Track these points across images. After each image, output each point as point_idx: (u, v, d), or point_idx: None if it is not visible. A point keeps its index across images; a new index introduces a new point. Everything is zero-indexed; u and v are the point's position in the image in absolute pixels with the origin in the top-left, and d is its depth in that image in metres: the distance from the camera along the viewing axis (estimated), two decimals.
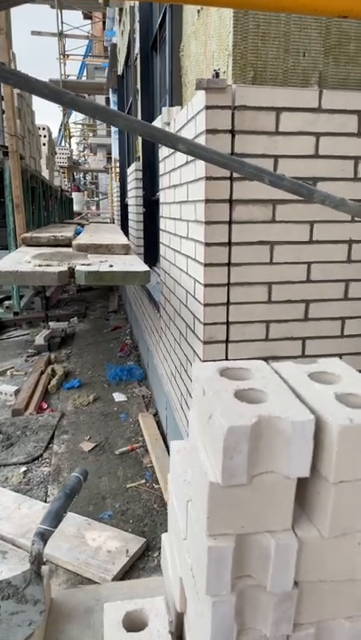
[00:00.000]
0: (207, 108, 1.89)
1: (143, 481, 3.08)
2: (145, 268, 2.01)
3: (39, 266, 2.17)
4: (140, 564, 2.36)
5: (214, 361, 2.16)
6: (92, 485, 3.04)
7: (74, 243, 2.48)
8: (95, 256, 2.32)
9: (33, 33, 15.42)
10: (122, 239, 2.66)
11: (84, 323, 7.68)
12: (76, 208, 16.37)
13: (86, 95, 18.59)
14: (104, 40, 13.79)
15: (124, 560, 2.28)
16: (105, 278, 1.94)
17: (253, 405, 0.86)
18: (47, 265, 2.18)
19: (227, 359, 2.15)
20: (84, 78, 19.46)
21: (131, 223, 5.53)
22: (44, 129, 6.85)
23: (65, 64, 17.04)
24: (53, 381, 4.84)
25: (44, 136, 6.79)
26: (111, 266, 2.01)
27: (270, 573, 0.91)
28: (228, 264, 2.06)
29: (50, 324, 7.34)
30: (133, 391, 4.64)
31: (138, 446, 3.51)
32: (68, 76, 17.61)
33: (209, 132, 1.91)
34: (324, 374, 1.02)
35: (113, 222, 10.82)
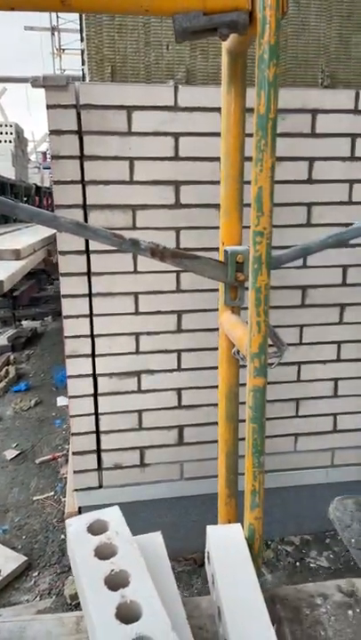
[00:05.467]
0: (48, 107, 1.77)
1: (52, 493, 2.99)
2: None
3: None
4: (16, 584, 2.27)
5: (80, 376, 2.07)
6: (0, 497, 2.96)
7: None
8: None
9: (26, 28, 15.35)
10: (17, 245, 2.57)
11: (57, 321, 7.61)
12: None
13: None
14: None
15: None
16: None
17: None
18: None
19: (94, 373, 2.04)
20: None
21: None
22: (10, 126, 6.77)
23: (60, 58, 16.93)
24: (1, 384, 4.77)
25: (10, 133, 6.71)
26: None
27: None
28: (88, 273, 1.94)
29: (24, 322, 7.30)
30: None
31: (60, 455, 3.42)
32: (65, 70, 17.49)
33: (53, 132, 1.78)
34: None
35: None
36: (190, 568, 2.21)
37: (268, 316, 0.93)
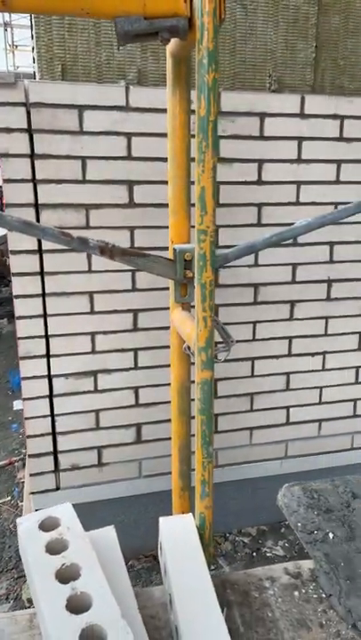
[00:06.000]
0: None
1: (9, 498, 2.93)
2: None
3: None
4: None
5: (35, 377, 2.05)
6: None
7: None
8: None
9: None
10: None
11: (13, 324, 7.42)
12: None
13: None
14: None
15: None
16: None
17: None
18: None
19: (49, 375, 2.02)
20: None
21: None
22: None
23: (13, 55, 16.51)
24: None
25: None
26: None
27: None
28: (42, 273, 1.92)
29: None
30: None
31: (17, 459, 3.35)
32: (18, 67, 17.07)
33: (2, 130, 1.75)
34: None
35: None
36: (150, 565, 2.23)
37: (213, 311, 0.97)
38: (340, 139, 2.08)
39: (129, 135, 1.88)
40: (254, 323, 2.19)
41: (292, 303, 2.20)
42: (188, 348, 1.14)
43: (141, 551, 2.28)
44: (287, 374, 2.28)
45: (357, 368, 2.35)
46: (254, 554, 2.28)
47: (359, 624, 0.97)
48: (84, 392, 2.07)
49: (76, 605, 0.74)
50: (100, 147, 1.86)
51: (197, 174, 0.91)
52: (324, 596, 1.03)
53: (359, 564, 1.05)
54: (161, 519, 1.02)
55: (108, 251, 0.99)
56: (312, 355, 2.28)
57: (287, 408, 2.31)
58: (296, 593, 1.04)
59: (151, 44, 1.94)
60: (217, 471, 2.29)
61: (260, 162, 2.03)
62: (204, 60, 0.83)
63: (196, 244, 0.94)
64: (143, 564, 2.24)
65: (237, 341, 2.17)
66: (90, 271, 1.96)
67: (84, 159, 1.86)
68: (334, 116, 2.06)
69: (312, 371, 2.30)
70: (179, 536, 0.97)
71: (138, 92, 1.85)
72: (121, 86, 1.85)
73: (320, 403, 2.35)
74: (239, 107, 1.96)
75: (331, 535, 1.11)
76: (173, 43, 1.01)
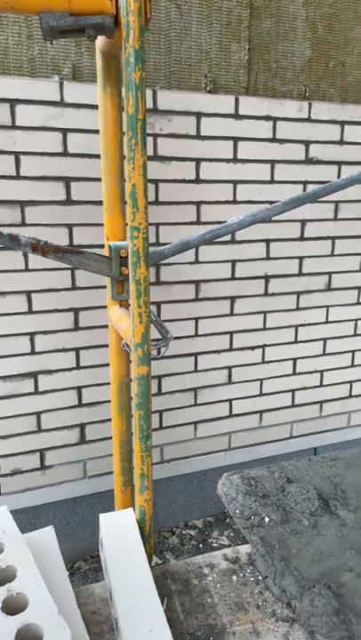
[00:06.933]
0: None
1: None
2: None
3: None
4: None
5: None
6: None
7: None
8: None
9: None
10: None
11: None
12: None
13: None
14: None
15: None
16: None
17: None
18: None
19: None
20: None
21: None
22: None
23: None
24: None
25: None
26: None
27: None
28: None
29: None
30: None
31: None
32: None
33: None
34: None
35: None
36: (97, 565, 2.21)
37: (149, 307, 0.98)
38: (274, 140, 2.16)
39: (64, 131, 1.85)
40: (196, 319, 2.23)
41: (233, 299, 2.26)
42: (126, 344, 1.15)
43: (89, 552, 2.26)
44: (229, 368, 2.34)
45: (295, 360, 2.46)
46: (201, 545, 2.32)
47: (293, 602, 1.02)
48: (24, 394, 2.02)
49: (12, 606, 0.73)
50: (34, 142, 1.82)
51: (128, 172, 0.92)
52: (260, 578, 1.08)
53: (293, 545, 1.10)
54: (101, 515, 1.03)
55: (40, 248, 0.98)
56: (252, 348, 2.36)
57: (230, 401, 2.38)
58: (234, 577, 1.07)
59: (86, 40, 1.92)
60: (163, 467, 2.32)
61: (198, 161, 2.07)
62: (131, 58, 0.83)
63: (129, 240, 0.95)
64: (90, 564, 2.22)
65: (180, 337, 2.21)
66: (27, 270, 1.92)
67: (17, 154, 1.81)
68: (267, 118, 2.13)
69: (252, 364, 2.38)
70: (119, 531, 0.98)
71: (73, 87, 1.83)
72: (55, 81, 1.82)
73: (261, 394, 2.43)
74: (175, 106, 1.98)
75: (267, 519, 1.16)
76: (102, 40, 1.01)
